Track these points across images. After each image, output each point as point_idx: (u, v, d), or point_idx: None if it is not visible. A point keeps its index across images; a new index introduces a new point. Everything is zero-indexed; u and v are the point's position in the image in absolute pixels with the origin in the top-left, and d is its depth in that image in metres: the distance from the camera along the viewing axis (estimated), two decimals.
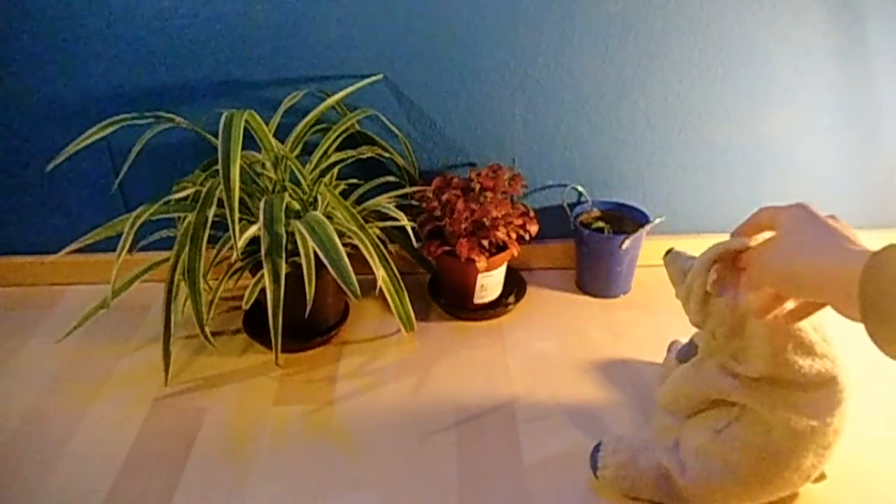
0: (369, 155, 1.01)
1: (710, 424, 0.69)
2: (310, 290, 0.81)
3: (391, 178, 1.06)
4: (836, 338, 0.64)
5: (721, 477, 0.67)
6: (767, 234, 0.57)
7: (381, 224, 0.98)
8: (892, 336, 0.43)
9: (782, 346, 0.62)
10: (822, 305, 0.56)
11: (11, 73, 1.00)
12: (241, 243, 0.81)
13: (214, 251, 0.89)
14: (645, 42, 1.00)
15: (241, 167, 0.81)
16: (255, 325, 1.01)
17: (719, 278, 0.62)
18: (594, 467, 0.74)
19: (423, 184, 1.05)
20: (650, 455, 0.73)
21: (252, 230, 0.84)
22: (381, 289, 0.89)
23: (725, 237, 0.61)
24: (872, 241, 0.49)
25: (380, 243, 0.89)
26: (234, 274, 0.95)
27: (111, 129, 0.89)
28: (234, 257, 0.83)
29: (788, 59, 1.02)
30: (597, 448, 0.75)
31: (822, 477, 0.71)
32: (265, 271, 0.80)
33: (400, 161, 1.06)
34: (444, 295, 1.08)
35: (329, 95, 0.99)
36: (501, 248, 1.00)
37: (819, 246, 0.50)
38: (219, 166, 0.79)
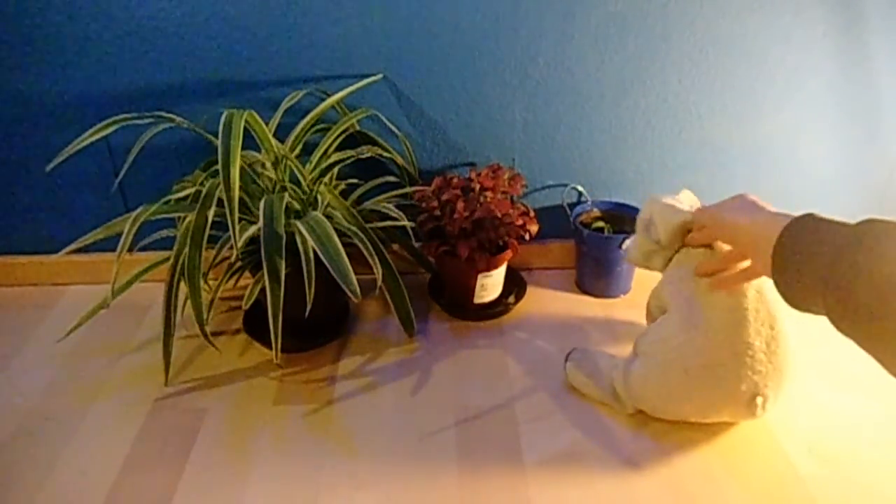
0: (369, 155, 1.01)
1: (655, 336, 0.80)
2: (310, 290, 0.81)
3: (391, 178, 1.06)
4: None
5: (659, 385, 0.79)
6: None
7: (381, 224, 0.98)
8: (791, 287, 0.56)
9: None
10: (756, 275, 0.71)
11: (11, 73, 1.00)
12: (241, 243, 0.81)
13: (214, 251, 0.89)
14: (645, 42, 1.00)
15: (241, 167, 0.81)
16: (255, 325, 1.01)
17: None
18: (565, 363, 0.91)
19: (423, 184, 1.05)
20: (608, 361, 0.88)
21: (252, 230, 0.84)
22: (381, 289, 0.89)
23: None
24: None
25: (380, 243, 0.89)
26: (234, 274, 0.95)
27: (111, 129, 0.88)
28: (234, 257, 0.83)
29: (788, 59, 1.02)
30: (570, 353, 0.92)
31: (761, 409, 0.77)
32: (265, 271, 0.80)
33: (400, 161, 1.06)
34: (444, 295, 1.08)
35: (329, 95, 0.99)
36: (501, 248, 1.00)
37: (755, 208, 0.65)
38: (219, 166, 0.79)
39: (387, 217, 0.96)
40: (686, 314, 0.76)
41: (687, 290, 0.76)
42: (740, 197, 0.70)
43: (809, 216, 0.56)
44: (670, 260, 0.80)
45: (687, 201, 0.80)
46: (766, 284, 0.74)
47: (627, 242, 0.91)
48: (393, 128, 1.04)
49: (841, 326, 0.50)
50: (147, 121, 0.91)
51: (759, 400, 0.75)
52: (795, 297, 0.56)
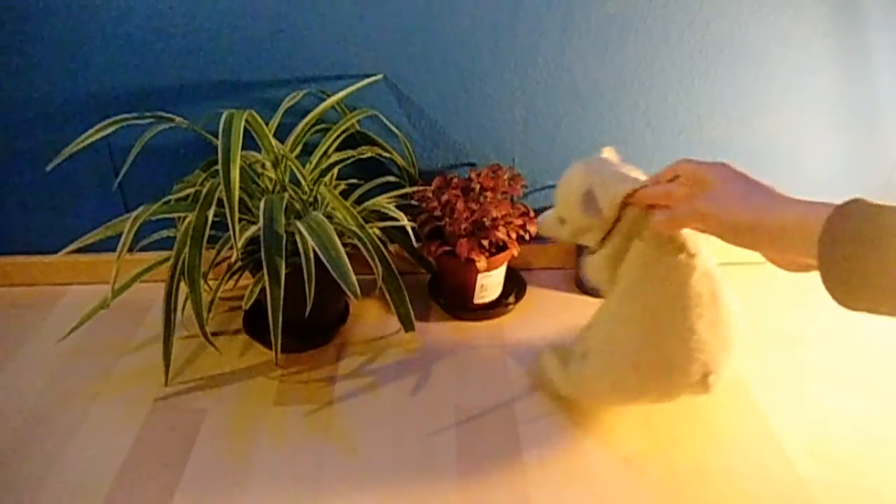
0: (369, 155, 1.01)
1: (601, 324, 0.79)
2: (310, 290, 0.81)
3: (391, 178, 1.06)
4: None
5: (605, 380, 0.78)
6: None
7: (381, 224, 0.98)
8: (842, 281, 0.46)
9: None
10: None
11: (11, 74, 1.00)
12: (241, 243, 0.81)
13: (214, 251, 0.89)
14: (645, 42, 1.00)
15: (241, 167, 0.81)
16: (255, 325, 1.01)
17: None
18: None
19: (423, 184, 1.05)
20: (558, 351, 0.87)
21: (252, 230, 0.84)
22: (381, 289, 0.89)
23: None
24: None
25: (380, 243, 0.89)
26: (234, 274, 0.95)
27: (111, 129, 0.88)
28: (234, 257, 0.83)
29: (788, 59, 1.02)
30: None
31: (709, 386, 0.75)
32: (265, 271, 0.80)
33: (400, 161, 1.06)
34: (444, 295, 1.08)
35: (329, 95, 0.99)
36: (501, 248, 1.00)
37: (777, 199, 0.53)
38: (219, 166, 0.79)
39: (387, 217, 0.96)
40: (628, 306, 0.74)
41: (627, 280, 0.73)
42: (724, 170, 0.58)
43: (859, 201, 0.47)
44: (608, 233, 0.73)
45: (611, 161, 0.75)
46: (711, 266, 0.71)
47: (546, 215, 0.80)
48: (393, 128, 1.04)
49: None
50: (147, 121, 0.91)
51: (712, 378, 0.74)
52: (858, 299, 0.46)
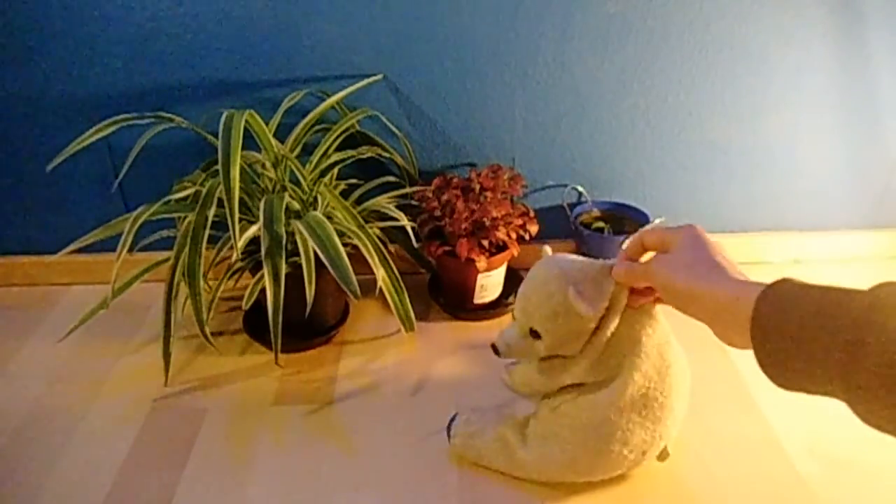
0: (369, 155, 1.01)
1: (549, 403, 0.72)
2: (310, 290, 0.81)
3: (391, 178, 1.06)
4: None
5: (554, 450, 0.71)
6: (651, 255, 0.60)
7: (381, 224, 0.98)
8: (772, 363, 0.46)
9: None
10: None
11: (11, 74, 1.00)
12: (241, 243, 0.81)
13: (214, 251, 0.89)
14: (645, 42, 1.00)
15: (241, 167, 0.81)
16: (255, 325, 1.01)
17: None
18: (448, 435, 0.79)
19: (423, 184, 1.05)
20: (499, 428, 0.77)
21: (252, 230, 0.84)
22: (381, 289, 0.89)
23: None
24: (871, 241, 0.50)
25: (380, 243, 0.89)
26: (234, 274, 0.95)
27: (111, 129, 0.88)
28: (234, 257, 0.83)
29: (788, 59, 1.02)
30: (453, 418, 0.80)
31: (664, 454, 0.74)
32: (265, 271, 0.80)
33: (400, 161, 1.06)
34: (444, 295, 1.08)
35: (329, 95, 0.99)
36: (501, 248, 1.00)
37: (714, 273, 0.52)
38: (219, 166, 0.79)
39: (387, 217, 0.96)
40: (594, 394, 0.68)
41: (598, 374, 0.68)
42: (686, 234, 0.56)
43: (788, 281, 0.47)
44: (594, 331, 0.65)
45: (563, 255, 0.68)
46: (667, 345, 0.68)
47: (508, 344, 0.71)
48: (393, 128, 1.04)
49: (869, 414, 0.43)
50: (147, 121, 0.91)
51: (663, 444, 0.72)
52: (793, 380, 0.46)
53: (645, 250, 0.62)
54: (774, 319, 0.46)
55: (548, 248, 0.72)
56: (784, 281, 0.47)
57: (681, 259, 0.55)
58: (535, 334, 0.67)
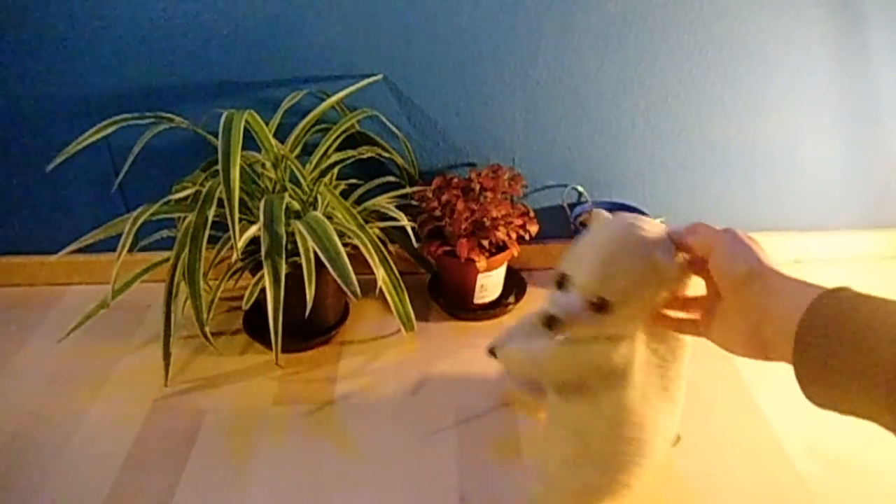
0: (369, 155, 1.01)
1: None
2: (310, 290, 0.81)
3: (391, 178, 1.06)
4: None
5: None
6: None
7: (381, 224, 0.98)
8: (828, 390, 0.41)
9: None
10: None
11: (12, 74, 1.00)
12: (241, 243, 0.81)
13: (214, 251, 0.89)
14: (645, 42, 1.00)
15: (241, 167, 0.81)
16: (255, 325, 1.01)
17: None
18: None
19: (423, 184, 1.05)
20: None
21: (252, 230, 0.84)
22: (381, 289, 0.89)
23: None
24: (871, 241, 0.49)
25: (380, 243, 0.89)
26: (234, 274, 0.95)
27: (111, 129, 0.89)
28: (234, 257, 0.83)
29: (788, 59, 1.02)
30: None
31: (677, 440, 0.75)
32: (265, 271, 0.80)
33: (400, 161, 1.06)
34: (444, 295, 1.08)
35: (329, 95, 0.99)
36: (501, 248, 1.00)
37: (755, 263, 0.48)
38: (219, 166, 0.79)
39: (387, 217, 0.96)
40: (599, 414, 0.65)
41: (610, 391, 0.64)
42: (729, 236, 0.51)
43: (846, 290, 0.42)
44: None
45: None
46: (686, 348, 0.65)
47: (558, 310, 0.58)
48: (393, 128, 1.04)
49: None
50: (147, 121, 0.91)
51: (675, 438, 0.72)
52: (834, 401, 0.41)
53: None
54: (822, 332, 0.41)
55: (605, 213, 0.63)
56: (842, 288, 0.43)
57: (739, 248, 0.50)
58: (600, 307, 0.56)
